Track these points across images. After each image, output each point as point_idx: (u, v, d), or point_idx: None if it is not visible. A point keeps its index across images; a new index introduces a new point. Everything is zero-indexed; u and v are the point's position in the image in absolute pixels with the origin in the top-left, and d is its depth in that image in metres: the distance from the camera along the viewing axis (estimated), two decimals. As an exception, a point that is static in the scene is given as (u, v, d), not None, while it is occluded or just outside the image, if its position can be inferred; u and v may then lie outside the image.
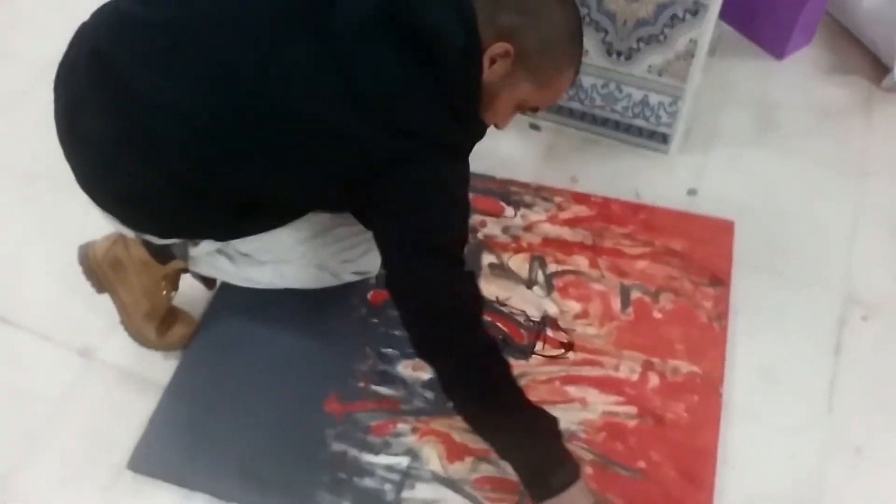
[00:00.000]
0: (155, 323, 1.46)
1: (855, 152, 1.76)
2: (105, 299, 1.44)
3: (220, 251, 1.36)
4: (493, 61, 1.07)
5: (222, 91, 1.08)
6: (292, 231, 1.32)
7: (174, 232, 1.30)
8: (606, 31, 1.57)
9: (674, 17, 1.49)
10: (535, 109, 1.19)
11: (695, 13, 1.47)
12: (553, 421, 1.19)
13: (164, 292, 1.46)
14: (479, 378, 1.16)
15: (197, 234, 1.31)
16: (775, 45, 1.92)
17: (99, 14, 1.20)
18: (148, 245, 1.38)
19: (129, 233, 1.32)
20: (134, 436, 1.39)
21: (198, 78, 1.09)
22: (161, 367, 1.48)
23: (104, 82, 1.14)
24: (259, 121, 1.08)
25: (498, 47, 1.06)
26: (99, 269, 1.40)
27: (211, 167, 1.14)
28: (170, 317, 1.49)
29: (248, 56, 1.07)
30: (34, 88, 1.97)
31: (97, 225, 1.37)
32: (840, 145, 1.78)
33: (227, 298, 1.54)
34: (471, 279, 1.18)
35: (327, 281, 1.43)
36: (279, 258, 1.37)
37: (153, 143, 1.13)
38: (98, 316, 1.52)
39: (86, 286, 1.43)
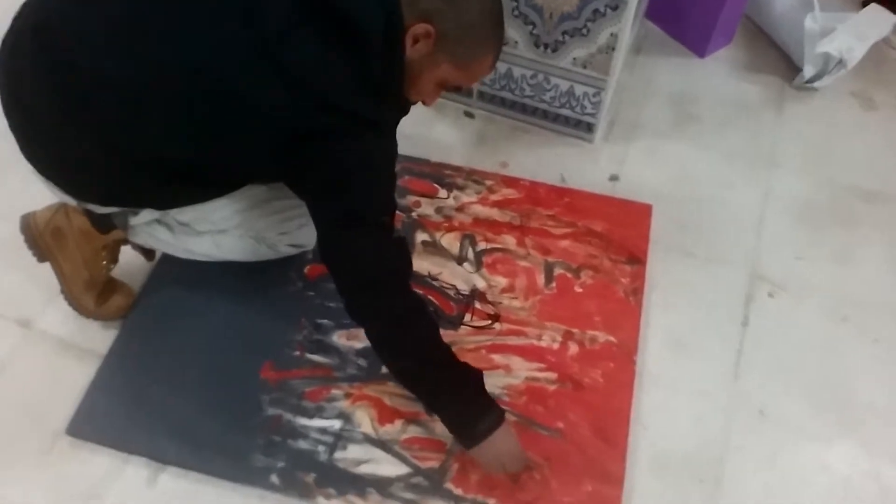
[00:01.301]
0: (94, 293, 1.50)
1: (765, 145, 1.89)
2: (45, 272, 1.47)
3: (159, 221, 1.41)
4: (415, 41, 1.14)
5: (161, 68, 1.14)
6: (230, 202, 1.38)
7: (114, 200, 1.35)
8: (534, 24, 1.67)
9: (596, 11, 1.59)
10: (457, 89, 1.28)
11: (615, 8, 1.57)
12: (477, 374, 1.28)
13: (104, 262, 1.50)
14: (409, 339, 1.24)
15: (136, 203, 1.36)
16: (697, 44, 2.04)
17: None
18: (89, 214, 1.42)
19: (72, 201, 1.36)
20: (73, 403, 1.43)
21: (138, 54, 1.14)
22: (100, 337, 1.52)
23: (47, 55, 1.18)
24: (195, 97, 1.14)
25: (419, 28, 1.13)
26: (40, 237, 1.44)
27: (149, 140, 1.20)
28: (109, 287, 1.53)
29: (186, 36, 1.13)
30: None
31: (36, 199, 1.42)
32: (752, 138, 1.90)
33: (167, 271, 1.59)
34: (400, 245, 1.26)
35: (264, 253, 1.49)
36: (217, 228, 1.42)
37: (93, 115, 1.18)
38: (38, 287, 1.55)
39: (26, 258, 1.46)
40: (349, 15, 1.10)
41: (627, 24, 1.59)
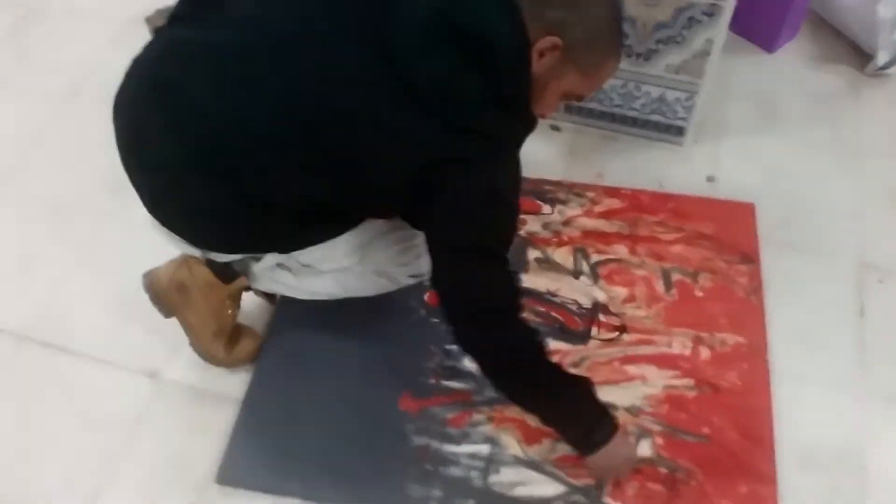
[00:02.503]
0: (223, 341, 1.51)
1: (850, 133, 1.91)
2: (163, 322, 1.48)
3: (281, 265, 1.41)
4: (541, 55, 1.13)
5: (288, 106, 1.14)
6: (350, 238, 1.37)
7: (242, 247, 1.35)
8: (627, 36, 1.68)
9: (691, 19, 1.61)
10: (580, 98, 1.26)
11: (710, 15, 1.59)
12: (587, 384, 1.30)
13: (230, 311, 1.51)
14: (521, 367, 1.25)
15: (263, 248, 1.36)
16: (766, 40, 2.06)
17: (154, 44, 1.26)
18: (212, 265, 1.42)
19: (196, 252, 1.37)
20: (214, 450, 1.43)
21: (264, 95, 1.15)
22: (229, 382, 1.53)
23: (169, 106, 1.19)
24: (325, 132, 1.14)
25: (546, 41, 1.12)
26: (165, 294, 1.44)
27: (281, 181, 1.19)
28: (235, 333, 1.54)
29: (309, 70, 1.13)
30: (51, 123, 1.99)
31: (136, 250, 1.44)
32: (836, 128, 1.92)
33: (289, 311, 1.60)
34: (512, 277, 1.26)
35: (385, 286, 1.49)
36: (339, 266, 1.41)
37: (224, 160, 1.18)
38: (158, 338, 1.56)
39: (141, 310, 1.47)
40: (478, 33, 1.10)
41: (723, 29, 1.61)
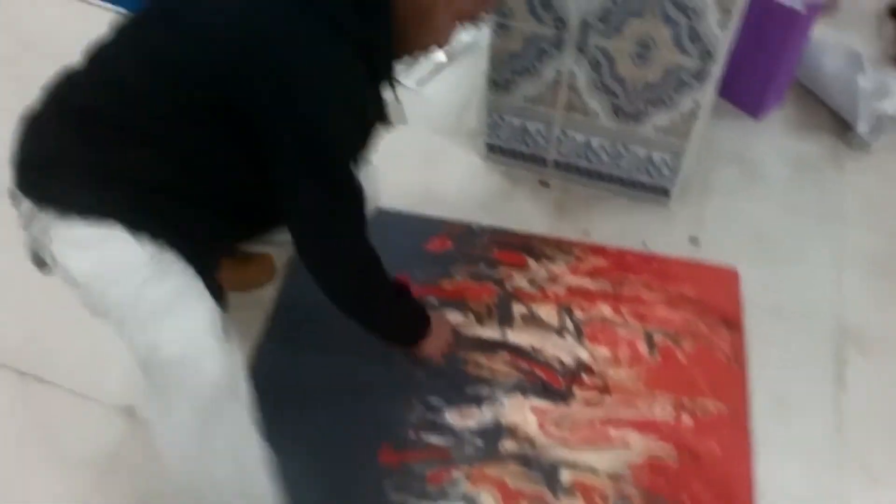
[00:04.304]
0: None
1: (832, 201, 1.94)
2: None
3: None
4: None
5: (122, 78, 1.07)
6: None
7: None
8: (616, 95, 1.70)
9: (680, 80, 1.63)
10: (473, 18, 1.17)
11: (698, 77, 1.61)
12: (406, 288, 1.42)
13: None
14: (366, 287, 1.30)
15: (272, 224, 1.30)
16: (752, 106, 2.10)
17: None
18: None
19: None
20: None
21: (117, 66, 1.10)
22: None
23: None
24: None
25: None
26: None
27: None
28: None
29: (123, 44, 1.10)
30: None
31: None
32: (818, 195, 1.95)
33: (268, 357, 1.57)
34: (360, 193, 1.18)
35: None
36: None
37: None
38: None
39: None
40: None
41: (710, 92, 1.64)
